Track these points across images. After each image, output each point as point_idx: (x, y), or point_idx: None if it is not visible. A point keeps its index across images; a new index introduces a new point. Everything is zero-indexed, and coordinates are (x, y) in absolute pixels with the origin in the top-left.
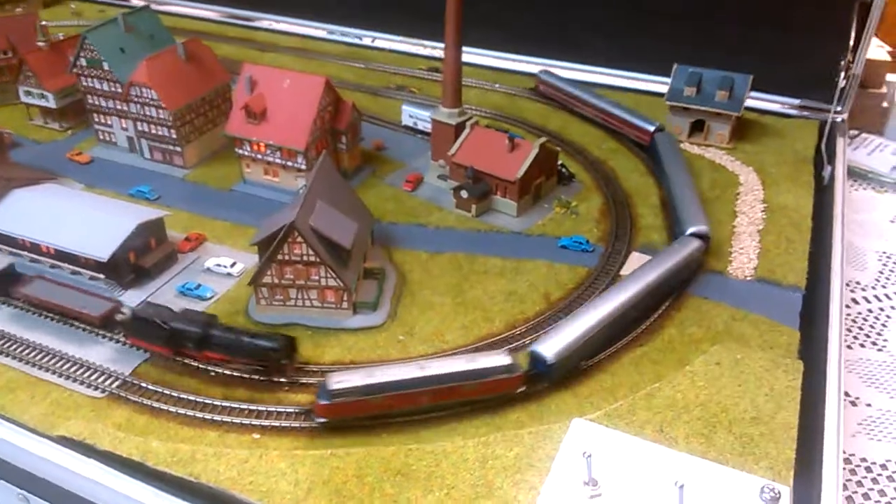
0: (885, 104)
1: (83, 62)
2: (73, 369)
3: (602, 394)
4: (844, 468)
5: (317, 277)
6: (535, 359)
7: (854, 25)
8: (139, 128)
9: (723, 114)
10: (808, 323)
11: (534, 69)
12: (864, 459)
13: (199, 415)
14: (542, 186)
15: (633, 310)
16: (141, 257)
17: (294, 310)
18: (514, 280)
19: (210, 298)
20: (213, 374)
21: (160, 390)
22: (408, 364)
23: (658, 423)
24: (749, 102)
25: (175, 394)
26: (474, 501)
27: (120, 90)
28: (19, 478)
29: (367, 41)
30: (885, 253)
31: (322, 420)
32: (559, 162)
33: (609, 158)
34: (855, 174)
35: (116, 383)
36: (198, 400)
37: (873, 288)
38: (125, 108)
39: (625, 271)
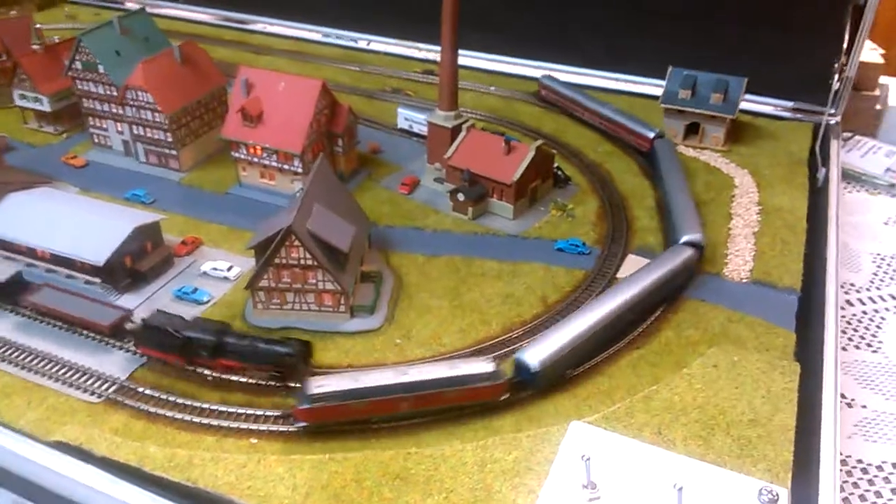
0: (878, 106)
1: (78, 65)
2: (69, 374)
3: (600, 396)
4: (841, 470)
5: (314, 281)
6: (520, 366)
7: (848, 28)
8: (135, 131)
9: (717, 116)
10: (803, 325)
11: (530, 72)
12: (860, 461)
13: (197, 419)
14: (538, 189)
15: (623, 319)
16: (137, 261)
17: (291, 313)
18: (510, 283)
19: (206, 302)
20: (209, 378)
21: (157, 395)
22: (389, 370)
23: (656, 425)
24: (743, 105)
25: (172, 398)
26: None
27: (115, 93)
28: (15, 484)
29: (362, 44)
30: (879, 255)
31: (302, 424)
32: (555, 165)
33: (605, 161)
34: (849, 176)
35: (113, 388)
36: (195, 404)
37: (868, 290)
38: (121, 111)
39: (621, 274)
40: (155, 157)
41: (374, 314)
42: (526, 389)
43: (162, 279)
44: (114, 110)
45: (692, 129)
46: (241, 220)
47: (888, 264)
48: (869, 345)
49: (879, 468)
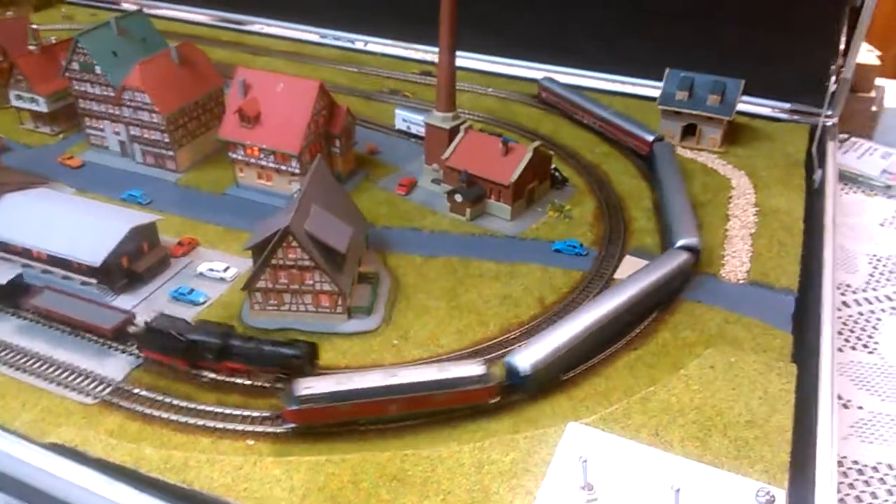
0: (874, 108)
1: (75, 66)
2: (64, 376)
3: (597, 398)
4: (837, 471)
5: (311, 282)
6: (510, 370)
7: (844, 30)
8: (131, 132)
9: (714, 118)
10: (800, 326)
11: (528, 73)
12: (856, 462)
13: (193, 421)
14: (535, 190)
15: (617, 322)
16: (133, 262)
17: (288, 314)
18: (508, 284)
19: (203, 303)
20: (205, 379)
21: (153, 396)
22: (378, 372)
23: (653, 426)
24: (740, 106)
25: (168, 400)
26: None
27: (112, 94)
28: (9, 486)
29: (359, 45)
30: (875, 256)
31: (290, 425)
32: (552, 166)
33: (602, 162)
34: (845, 178)
35: (108, 389)
36: (191, 406)
37: (864, 291)
38: (118, 111)
39: (618, 275)
40: (152, 157)
41: (372, 315)
42: (517, 393)
43: (158, 280)
44: (110, 111)
45: (689, 131)
46: (237, 220)
47: (884, 265)
48: (865, 346)
49: (875, 469)
